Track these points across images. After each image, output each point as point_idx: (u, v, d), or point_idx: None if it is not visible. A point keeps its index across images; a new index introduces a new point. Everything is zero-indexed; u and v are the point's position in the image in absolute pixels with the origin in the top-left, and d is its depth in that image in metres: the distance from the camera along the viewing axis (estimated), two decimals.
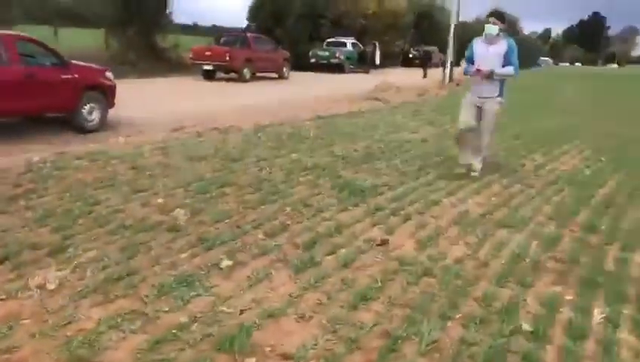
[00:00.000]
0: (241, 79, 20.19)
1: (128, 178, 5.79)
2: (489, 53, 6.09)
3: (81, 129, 9.23)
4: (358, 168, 6.70)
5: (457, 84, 19.66)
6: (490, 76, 6.10)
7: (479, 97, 6.31)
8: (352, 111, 11.79)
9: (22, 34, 9.36)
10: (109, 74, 10.26)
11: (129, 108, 10.74)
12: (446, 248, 4.30)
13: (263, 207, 5.03)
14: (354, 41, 30.25)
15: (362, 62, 30.36)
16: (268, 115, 11.05)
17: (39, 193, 5.13)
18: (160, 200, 5.05)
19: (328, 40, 29.45)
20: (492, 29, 6.02)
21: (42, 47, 9.19)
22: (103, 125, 9.65)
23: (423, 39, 40.89)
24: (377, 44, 30.72)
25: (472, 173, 6.44)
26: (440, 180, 6.31)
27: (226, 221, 4.61)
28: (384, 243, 4.34)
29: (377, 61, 30.78)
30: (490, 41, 6.10)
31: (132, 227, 4.37)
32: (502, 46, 6.05)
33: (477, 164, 6.48)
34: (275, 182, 5.88)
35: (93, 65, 10.48)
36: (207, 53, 20.06)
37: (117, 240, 4.11)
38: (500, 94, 6.27)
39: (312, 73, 27.21)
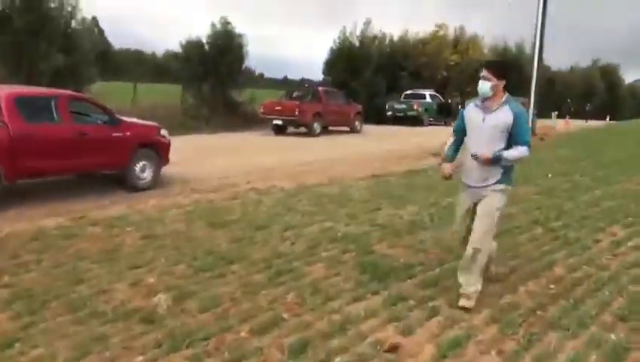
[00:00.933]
0: (310, 133, 19.87)
1: (133, 250, 5.29)
2: (485, 125, 4.11)
3: (133, 187, 9.09)
4: (396, 241, 5.85)
5: (541, 139, 18.17)
6: (491, 162, 4.07)
7: (470, 186, 4.29)
8: (412, 170, 10.93)
9: (75, 93, 9.41)
10: (163, 131, 10.16)
11: (183, 165, 10.85)
12: (473, 358, 3.37)
13: (264, 291, 4.31)
14: (433, 92, 29.42)
15: (442, 115, 29.37)
16: (321, 172, 10.45)
17: (29, 267, 4.72)
18: (151, 280, 4.47)
19: (406, 92, 28.81)
20: (484, 86, 4.09)
21: (95, 105, 9.26)
22: (156, 183, 9.50)
23: (512, 91, 39.25)
24: (458, 96, 29.75)
25: (462, 303, 4.17)
26: None
27: (213, 310, 3.94)
28: (394, 348, 3.48)
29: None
30: (487, 106, 4.12)
31: (104, 315, 3.80)
32: (504, 114, 4.06)
33: (470, 288, 4.21)
34: (292, 257, 5.17)
35: (148, 123, 10.40)
36: (277, 107, 19.99)
37: (79, 332, 3.54)
38: (505, 179, 4.17)
39: (389, 127, 26.57)
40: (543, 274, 4.96)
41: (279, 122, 19.97)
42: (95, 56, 17.98)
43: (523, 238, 6.12)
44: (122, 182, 9.14)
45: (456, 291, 4.29)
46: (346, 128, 22.29)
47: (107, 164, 9.04)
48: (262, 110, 20.36)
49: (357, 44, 28.92)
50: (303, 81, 26.17)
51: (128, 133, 9.19)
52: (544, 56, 24.32)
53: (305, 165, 11.82)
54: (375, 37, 29.96)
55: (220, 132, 20.62)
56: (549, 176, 10.58)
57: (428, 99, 28.50)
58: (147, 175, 9.43)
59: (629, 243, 6.08)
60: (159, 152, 9.73)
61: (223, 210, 7.00)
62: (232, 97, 22.54)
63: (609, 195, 8.74)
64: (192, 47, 22.07)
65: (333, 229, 6.18)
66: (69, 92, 9.32)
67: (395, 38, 32.29)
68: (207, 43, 22.27)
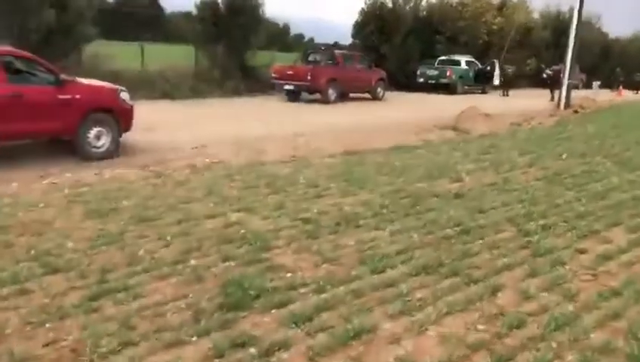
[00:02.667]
0: (325, 100, 18.44)
1: None
2: None
3: (86, 157, 8.13)
4: (309, 244, 4.52)
5: (575, 111, 16.07)
6: None
7: None
8: (400, 145, 9.43)
9: (9, 48, 8.36)
10: (124, 95, 9.02)
11: (169, 132, 10.47)
12: None
13: (49, 325, 3.10)
14: (470, 59, 27.21)
15: (480, 82, 27.25)
16: (301, 146, 9.16)
17: None
18: None
19: (440, 58, 26.74)
20: None
21: (38, 63, 8.05)
22: (116, 152, 8.54)
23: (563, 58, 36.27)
24: (497, 62, 27.37)
25: None
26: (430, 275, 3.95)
27: None
28: None
29: (496, 81, 27.39)
30: None
31: None
32: None
33: None
34: (145, 266, 3.94)
35: (104, 84, 9.22)
36: (289, 72, 18.59)
37: None
38: None
39: (420, 94, 24.76)
40: (476, 306, 3.56)
41: (290, 87, 18.60)
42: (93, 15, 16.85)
43: (478, 244, 4.67)
44: (74, 151, 8.15)
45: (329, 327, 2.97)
46: (368, 95, 20.75)
47: (50, 130, 8.05)
48: (273, 74, 19.01)
49: (389, 4, 26.90)
50: (334, 45, 24.38)
51: (78, 96, 8.09)
52: (602, 23, 21.99)
53: (297, 136, 10.47)
54: None
55: (232, 97, 19.50)
56: (563, 157, 8.91)
57: (463, 66, 26.42)
58: (103, 143, 8.40)
59: (624, 257, 4.54)
60: (118, 118, 8.61)
61: (121, 192, 5.82)
62: (246, 61, 21.20)
63: (626, 184, 7.07)
64: (206, 7, 20.75)
65: (240, 224, 4.90)
66: (3, 47, 8.23)
67: (433, 0, 30.02)
68: (222, 3, 20.88)
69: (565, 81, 16.69)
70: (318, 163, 7.69)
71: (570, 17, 36.05)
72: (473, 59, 27.50)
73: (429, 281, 3.87)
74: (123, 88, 9.26)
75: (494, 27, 30.80)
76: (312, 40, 51.35)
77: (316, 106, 17.69)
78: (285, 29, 71.96)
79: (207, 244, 4.38)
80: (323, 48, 20.81)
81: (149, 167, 7.35)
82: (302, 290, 3.65)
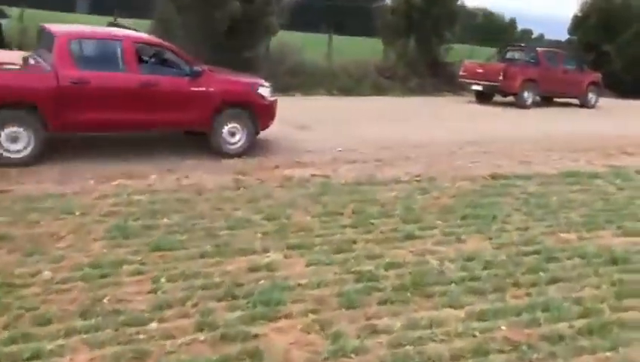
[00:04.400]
0: (519, 104, 16.06)
1: None
2: None
3: (220, 152, 7.64)
4: (338, 317, 3.19)
5: None
6: None
7: None
8: (574, 172, 7.19)
9: (144, 36, 8.22)
10: (264, 90, 8.22)
11: (321, 131, 9.85)
12: None
13: None
14: None
15: None
16: (443, 163, 7.62)
17: None
18: None
19: None
20: None
21: (172, 52, 7.74)
22: (250, 149, 7.86)
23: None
24: None
25: None
26: None
27: None
28: None
29: None
30: None
31: None
32: None
33: None
34: (64, 328, 2.99)
35: (243, 78, 8.57)
36: (479, 70, 16.52)
37: None
38: None
39: None
40: None
41: (479, 88, 16.56)
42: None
43: None
44: (208, 146, 7.75)
45: None
46: (576, 101, 17.67)
47: (182, 122, 7.62)
48: (462, 72, 17.10)
49: None
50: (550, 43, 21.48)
51: (212, 89, 7.57)
52: None
53: (457, 145, 8.93)
54: None
55: (416, 95, 18.14)
56: None
57: None
58: (238, 140, 7.79)
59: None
60: (254, 114, 7.91)
61: (185, 205, 5.01)
62: (437, 56, 19.60)
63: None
64: None
65: (269, 270, 3.74)
66: (138, 35, 8.03)
67: None
68: None
69: None
70: (442, 187, 6.11)
71: None
72: None
73: None
74: (263, 82, 8.52)
75: None
76: (541, 36, 47.07)
77: (507, 111, 15.46)
78: (511, 23, 67.53)
79: (205, 296, 3.30)
80: (523, 45, 18.20)
81: (278, 167, 6.70)
82: None
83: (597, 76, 17.97)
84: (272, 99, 8.36)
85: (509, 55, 17.82)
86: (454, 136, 9.90)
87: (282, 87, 16.67)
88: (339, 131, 9.90)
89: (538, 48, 17.00)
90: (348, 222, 4.80)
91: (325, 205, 5.21)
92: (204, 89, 7.55)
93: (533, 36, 50.59)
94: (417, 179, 6.48)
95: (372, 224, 4.79)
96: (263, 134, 8.06)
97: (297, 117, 10.80)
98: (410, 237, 4.53)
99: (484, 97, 16.88)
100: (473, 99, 17.17)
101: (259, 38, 16.21)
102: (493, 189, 6.15)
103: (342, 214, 5.00)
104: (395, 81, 18.91)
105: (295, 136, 9.12)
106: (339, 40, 21.46)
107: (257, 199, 5.35)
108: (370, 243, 4.36)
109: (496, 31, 59.69)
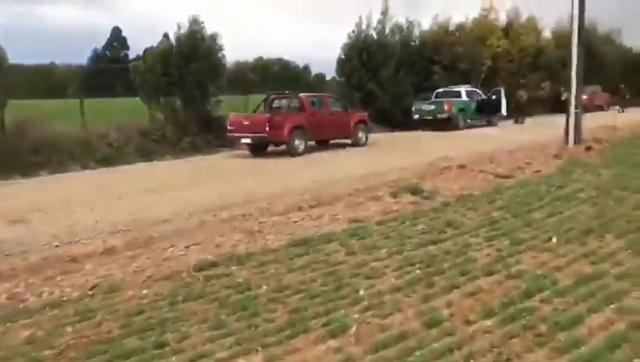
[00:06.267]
0: (291, 153, 15.49)
1: None
2: None
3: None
4: None
5: (588, 148, 12.56)
6: None
7: None
8: (306, 239, 6.28)
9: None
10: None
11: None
12: None
13: None
14: (471, 88, 24.02)
15: (484, 113, 24.06)
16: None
17: None
18: None
19: (438, 90, 23.61)
20: None
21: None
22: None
23: (587, 76, 32.37)
24: (502, 90, 24.16)
25: None
26: None
27: None
28: None
29: (503, 110, 24.15)
30: None
31: None
32: None
33: None
34: None
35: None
36: (246, 122, 15.73)
37: None
38: None
39: (416, 133, 21.70)
40: None
41: (248, 140, 15.74)
42: None
43: None
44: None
45: None
46: (347, 141, 17.75)
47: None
48: (229, 126, 16.15)
49: (374, 36, 24.11)
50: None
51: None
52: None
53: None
54: (398, 26, 25.06)
55: (187, 155, 16.79)
56: (553, 241, 5.74)
57: (464, 97, 23.30)
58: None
59: None
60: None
61: None
62: (205, 112, 18.56)
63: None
64: (155, 55, 18.30)
65: None
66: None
67: (426, 26, 27.12)
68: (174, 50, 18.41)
69: (572, 108, 13.23)
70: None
71: (591, 31, 32.82)
72: (475, 89, 24.37)
73: None
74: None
75: (499, 49, 27.64)
76: (334, 78, 48.97)
77: (280, 160, 14.79)
78: (306, 69, 70.26)
79: None
80: (287, 93, 17.93)
81: None
82: None
83: (363, 115, 18.31)
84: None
85: (275, 104, 17.37)
86: (203, 200, 8.74)
87: (24, 168, 14.29)
88: (70, 218, 8.42)
89: (301, 94, 16.73)
90: None
91: None
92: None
93: (327, 79, 52.76)
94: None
95: None
96: None
97: (21, 205, 9.37)
98: None
99: (259, 149, 16.12)
100: (246, 153, 16.32)
101: None
102: (192, 290, 4.86)
103: None
104: (164, 144, 17.43)
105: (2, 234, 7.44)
106: (95, 104, 19.52)
107: None
108: None
109: (292, 78, 61.63)
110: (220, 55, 18.75)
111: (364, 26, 23.90)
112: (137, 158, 16.24)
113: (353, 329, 3.92)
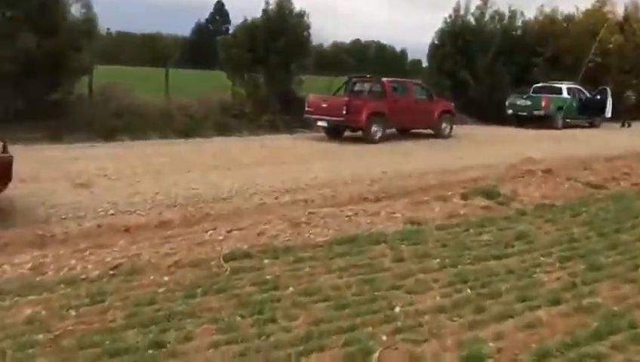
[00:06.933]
0: (367, 139, 14.89)
1: None
2: None
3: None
4: None
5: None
6: None
7: None
8: (344, 238, 5.71)
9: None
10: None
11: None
12: None
13: None
14: (574, 85, 22.15)
15: (587, 113, 22.17)
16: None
17: None
18: None
19: (536, 85, 21.98)
20: None
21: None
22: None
23: None
24: (608, 90, 22.13)
25: None
26: None
27: None
28: None
29: (608, 112, 22.13)
30: None
31: None
32: None
33: None
34: None
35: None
36: (324, 104, 15.23)
37: None
38: None
39: (507, 128, 20.35)
40: None
41: (324, 124, 15.27)
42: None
43: None
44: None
45: None
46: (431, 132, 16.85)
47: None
48: (307, 108, 15.73)
49: (472, 22, 22.77)
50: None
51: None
52: None
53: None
54: (499, 13, 23.54)
55: (264, 133, 16.60)
56: None
57: (564, 95, 21.52)
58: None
59: None
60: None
61: None
62: (287, 91, 18.26)
63: None
64: (242, 30, 18.19)
65: None
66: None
67: (530, 16, 25.30)
68: (261, 25, 18.19)
69: None
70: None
71: None
72: (578, 86, 22.42)
73: None
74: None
75: (610, 46, 25.31)
76: None
77: (353, 146, 14.25)
78: (403, 54, 68.99)
79: None
80: (369, 76, 17.23)
81: None
82: None
83: (448, 105, 17.30)
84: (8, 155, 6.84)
85: (356, 87, 16.74)
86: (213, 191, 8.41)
87: (106, 132, 14.65)
88: (133, 186, 8.36)
89: (384, 79, 15.98)
90: None
91: None
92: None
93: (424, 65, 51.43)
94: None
95: None
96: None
97: (90, 169, 9.49)
98: None
99: (334, 133, 15.62)
100: (322, 135, 15.86)
101: (67, 77, 14.03)
102: (214, 283, 4.46)
103: None
104: (243, 120, 17.34)
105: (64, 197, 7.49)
106: (184, 75, 19.76)
107: None
108: None
109: (388, 62, 60.59)
110: (305, 33, 18.28)
111: (462, 11, 22.64)
112: (215, 132, 16.25)
113: (375, 355, 3.36)
